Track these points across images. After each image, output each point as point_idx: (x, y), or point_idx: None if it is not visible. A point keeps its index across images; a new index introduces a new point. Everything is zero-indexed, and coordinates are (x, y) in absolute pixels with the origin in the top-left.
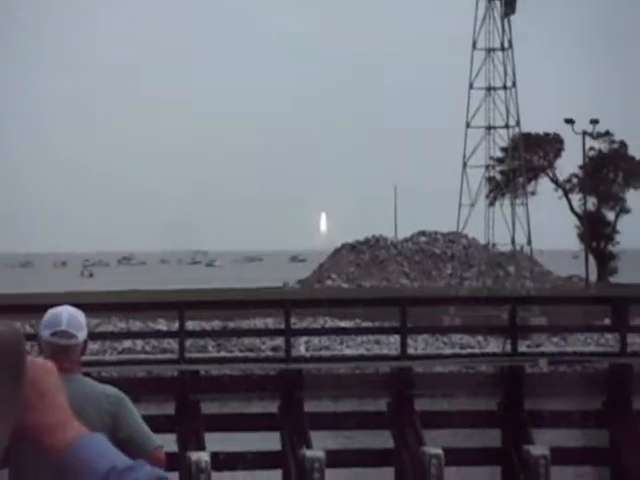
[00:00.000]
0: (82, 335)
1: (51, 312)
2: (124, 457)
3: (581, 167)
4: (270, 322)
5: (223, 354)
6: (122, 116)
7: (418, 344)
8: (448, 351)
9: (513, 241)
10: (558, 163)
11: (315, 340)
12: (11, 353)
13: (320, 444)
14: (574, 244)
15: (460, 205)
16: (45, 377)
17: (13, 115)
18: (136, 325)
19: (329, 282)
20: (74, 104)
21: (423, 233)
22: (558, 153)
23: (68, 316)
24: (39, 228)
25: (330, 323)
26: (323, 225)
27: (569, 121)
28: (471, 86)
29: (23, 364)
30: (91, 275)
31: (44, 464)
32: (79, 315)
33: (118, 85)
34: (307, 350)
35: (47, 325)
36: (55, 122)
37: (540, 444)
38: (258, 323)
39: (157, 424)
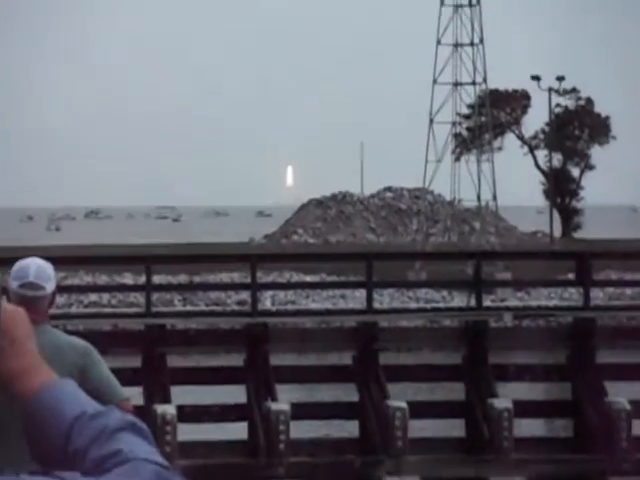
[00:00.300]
0: (50, 287)
1: (19, 264)
2: (94, 403)
3: (547, 124)
4: (236, 276)
5: (189, 308)
6: (99, 70)
7: (384, 299)
8: (413, 305)
9: (479, 197)
10: (524, 120)
11: (281, 294)
12: None
13: (285, 397)
14: (539, 200)
15: (426, 161)
16: (15, 323)
17: None
18: (102, 279)
19: (295, 237)
20: (53, 56)
21: (389, 189)
22: (524, 110)
23: (36, 268)
24: (5, 182)
25: (296, 278)
26: (289, 179)
27: (535, 78)
28: (439, 42)
29: None
30: (57, 229)
31: (14, 410)
32: (47, 267)
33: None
34: (273, 304)
35: (15, 277)
36: (32, 75)
37: (504, 397)
38: (224, 277)
39: (123, 377)
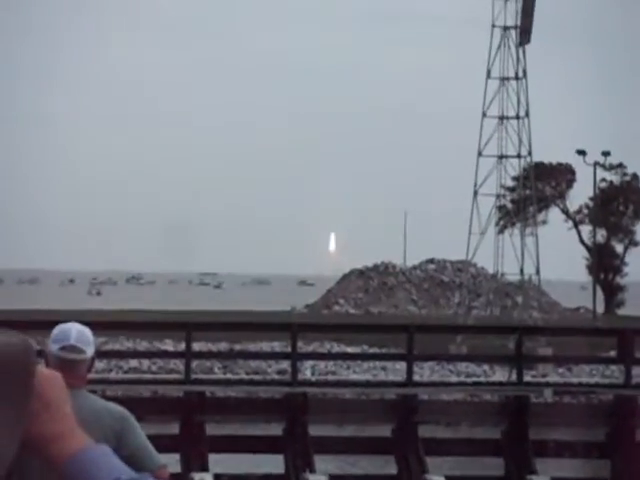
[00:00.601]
0: (90, 351)
1: (60, 327)
2: (128, 469)
3: (592, 198)
4: (277, 345)
5: (229, 376)
6: (133, 132)
7: (424, 372)
8: (454, 379)
9: (522, 271)
10: (569, 194)
11: (321, 365)
12: (21, 364)
13: (323, 468)
14: (582, 275)
15: (470, 233)
16: (51, 387)
17: (23, 132)
18: (143, 345)
19: (337, 307)
20: (83, 119)
21: (432, 261)
22: (570, 184)
23: (77, 332)
24: (48, 245)
25: (337, 348)
26: (332, 245)
27: (581, 152)
28: (484, 114)
29: (32, 375)
30: (99, 293)
31: (48, 474)
32: (87, 332)
33: (125, 100)
34: (313, 374)
35: (56, 340)
36: (66, 137)
37: (543, 474)
38: (265, 346)
39: (161, 444)
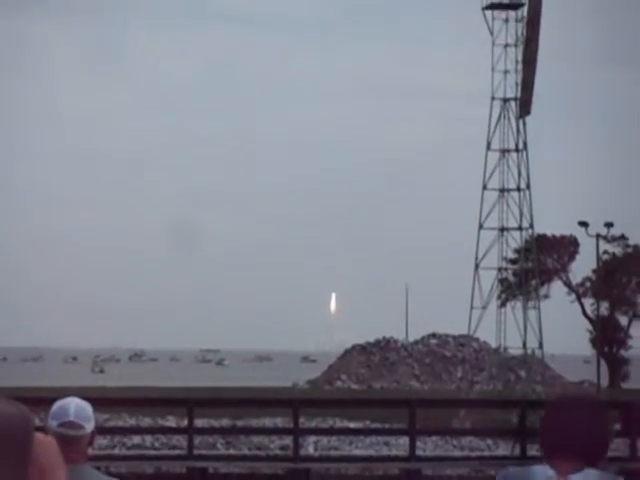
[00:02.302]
0: (90, 426)
1: (59, 403)
2: None
3: (594, 271)
4: (279, 421)
5: (232, 452)
6: (127, 205)
7: (427, 446)
8: (457, 454)
9: (524, 345)
10: (572, 266)
11: (324, 440)
12: (20, 433)
13: None
14: (586, 349)
15: (472, 307)
16: (45, 452)
17: (20, 207)
18: (145, 421)
19: (339, 383)
20: (80, 192)
21: (434, 335)
22: (572, 256)
23: (76, 407)
24: (51, 323)
25: (339, 424)
26: (333, 305)
27: (583, 224)
28: (485, 187)
29: (31, 442)
30: (102, 371)
31: None
32: (87, 407)
33: (123, 174)
34: (316, 450)
35: (55, 416)
36: (64, 209)
37: None
38: (267, 422)
39: None
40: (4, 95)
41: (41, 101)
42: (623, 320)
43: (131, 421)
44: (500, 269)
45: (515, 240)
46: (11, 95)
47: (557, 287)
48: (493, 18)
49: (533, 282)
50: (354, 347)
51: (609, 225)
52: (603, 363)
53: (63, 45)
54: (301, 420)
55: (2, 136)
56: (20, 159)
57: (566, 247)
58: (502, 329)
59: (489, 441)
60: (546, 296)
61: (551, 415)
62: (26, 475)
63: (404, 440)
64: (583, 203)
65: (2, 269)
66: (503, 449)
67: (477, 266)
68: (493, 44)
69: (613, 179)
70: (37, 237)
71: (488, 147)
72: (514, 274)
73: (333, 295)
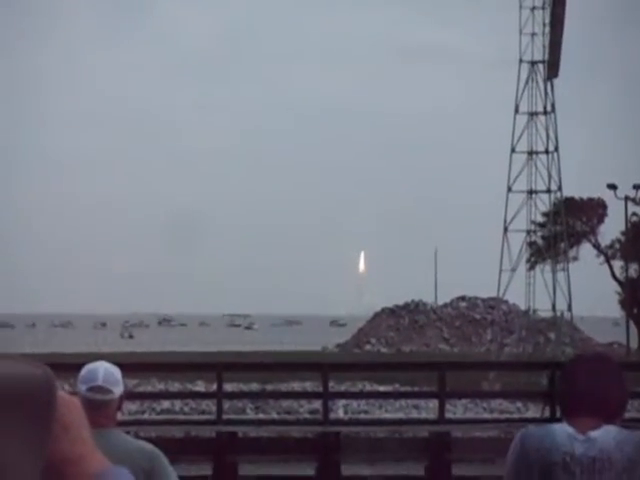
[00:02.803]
0: (118, 391)
1: (87, 368)
2: None
3: (623, 233)
4: (308, 385)
5: (261, 416)
6: (151, 171)
7: (457, 409)
8: (487, 416)
9: (554, 307)
10: (601, 229)
11: (354, 404)
12: (44, 394)
13: None
14: (615, 311)
15: (501, 270)
16: (70, 411)
17: (45, 175)
18: (174, 386)
19: (368, 346)
20: (105, 159)
21: (463, 298)
22: (601, 218)
23: (104, 372)
24: (79, 289)
25: (369, 387)
26: (362, 265)
27: (612, 186)
28: (513, 150)
29: (54, 403)
30: (131, 336)
31: None
32: (115, 371)
33: (142, 139)
34: (345, 414)
35: (84, 380)
36: (91, 176)
37: None
38: (296, 386)
39: None
40: (20, 62)
41: (58, 66)
42: None
43: (160, 386)
44: (529, 232)
45: (544, 203)
46: (29, 62)
47: (586, 250)
48: None
49: (562, 245)
50: (383, 310)
51: (637, 187)
52: (632, 325)
53: (82, 9)
54: (330, 384)
55: (21, 105)
56: (46, 124)
57: (594, 209)
58: (531, 292)
59: (519, 403)
60: (575, 258)
61: (568, 374)
62: (50, 435)
63: (433, 403)
64: (611, 165)
65: (29, 237)
66: (533, 411)
67: (506, 229)
68: (520, 7)
69: None
70: (65, 205)
71: (516, 110)
72: (542, 237)
73: (362, 255)
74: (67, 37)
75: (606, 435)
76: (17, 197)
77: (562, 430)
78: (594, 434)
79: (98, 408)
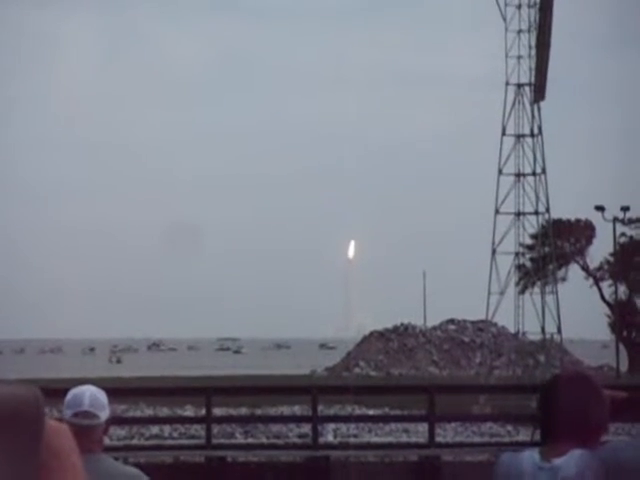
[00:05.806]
0: (104, 415)
1: (73, 392)
2: None
3: (612, 254)
4: (297, 409)
5: (250, 441)
6: (140, 196)
7: (447, 433)
8: (477, 440)
9: (543, 330)
10: (589, 250)
11: (343, 428)
12: (31, 415)
13: None
14: (605, 333)
15: (489, 293)
16: (59, 437)
17: (32, 199)
18: (163, 411)
19: (357, 370)
20: (93, 183)
21: (452, 321)
22: (589, 240)
23: (90, 396)
24: (69, 315)
25: (358, 411)
26: (351, 252)
27: (599, 208)
28: (500, 172)
29: (42, 425)
30: (119, 361)
31: None
32: (101, 395)
33: (133, 163)
34: (335, 437)
35: (69, 406)
36: (78, 201)
37: None
38: (286, 410)
39: None
40: (9, 82)
41: (48, 90)
42: None
43: (149, 411)
44: (517, 254)
45: (532, 224)
46: (16, 83)
47: (575, 272)
48: (506, 4)
49: (550, 267)
50: (372, 333)
51: (625, 208)
52: (622, 348)
53: (71, 32)
54: (320, 408)
55: (12, 128)
56: (31, 150)
57: (583, 231)
58: (520, 314)
59: (509, 427)
60: (563, 280)
61: (546, 398)
62: (39, 456)
63: (423, 427)
64: (599, 187)
65: (18, 262)
66: (523, 435)
67: (494, 251)
68: (506, 30)
69: (628, 163)
70: (52, 229)
71: (503, 132)
72: (531, 259)
73: (352, 243)
74: (63, 63)
75: (569, 461)
76: (4, 222)
77: (529, 457)
78: (558, 462)
79: (85, 433)
